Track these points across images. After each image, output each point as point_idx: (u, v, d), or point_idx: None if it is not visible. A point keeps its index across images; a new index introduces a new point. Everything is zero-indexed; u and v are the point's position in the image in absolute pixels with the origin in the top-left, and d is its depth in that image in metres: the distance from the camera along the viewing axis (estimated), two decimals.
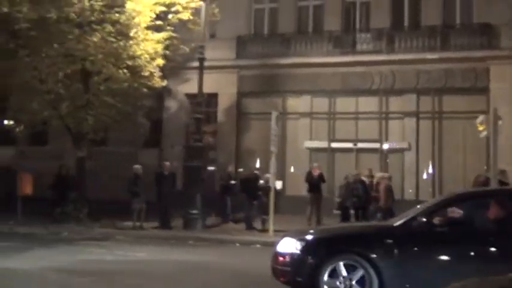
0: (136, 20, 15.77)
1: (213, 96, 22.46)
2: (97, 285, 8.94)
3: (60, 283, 8.94)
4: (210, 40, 17.58)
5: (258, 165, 20.75)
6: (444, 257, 7.32)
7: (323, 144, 22.09)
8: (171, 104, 23.78)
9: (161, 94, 21.99)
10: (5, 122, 23.94)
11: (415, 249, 7.42)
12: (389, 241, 7.41)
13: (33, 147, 25.09)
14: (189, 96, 23.64)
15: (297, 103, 22.77)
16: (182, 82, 22.47)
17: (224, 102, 22.92)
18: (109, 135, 22.56)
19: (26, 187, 17.25)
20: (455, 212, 7.60)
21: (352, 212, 16.11)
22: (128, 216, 17.45)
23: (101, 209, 17.87)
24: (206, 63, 17.59)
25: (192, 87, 22.64)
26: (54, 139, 24.29)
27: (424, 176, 20.93)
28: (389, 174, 16.89)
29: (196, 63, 21.10)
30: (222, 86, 22.43)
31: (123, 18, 15.54)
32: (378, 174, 16.02)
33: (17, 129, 23.09)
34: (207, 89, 17.43)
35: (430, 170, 20.93)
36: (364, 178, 16.14)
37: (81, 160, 17.43)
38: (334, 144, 21.97)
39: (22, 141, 24.56)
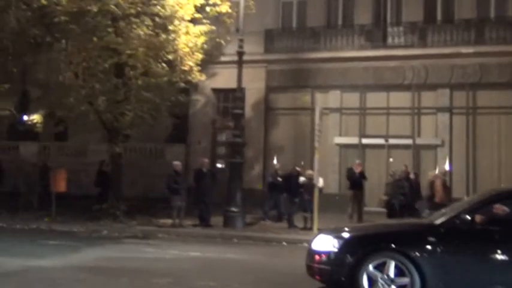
0: (180, 13, 15.38)
1: None
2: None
3: (140, 285, 8.63)
4: (237, 34, 17.14)
5: (275, 161, 20.39)
6: (491, 257, 7.09)
7: (353, 140, 21.80)
8: (198, 99, 23.38)
9: (187, 89, 21.58)
10: (26, 117, 23.81)
11: (460, 248, 7.22)
12: (432, 239, 7.23)
13: (55, 143, 24.74)
14: (216, 91, 23.38)
15: (326, 98, 22.38)
16: (209, 77, 22.01)
17: (252, 97, 22.50)
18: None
19: (60, 184, 16.89)
20: (501, 209, 7.33)
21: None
22: (161, 213, 17.25)
23: (134, 206, 17.58)
24: (234, 58, 17.27)
25: (218, 82, 22.49)
26: (75, 135, 24.05)
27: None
28: (443, 171, 16.55)
29: (223, 58, 21.26)
30: (250, 80, 21.94)
31: (166, 11, 15.10)
32: (431, 172, 15.70)
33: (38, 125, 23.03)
34: (235, 83, 17.08)
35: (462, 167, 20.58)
36: (411, 175, 15.80)
37: (116, 156, 17.03)
38: (364, 140, 21.64)
39: (45, 137, 24.32)
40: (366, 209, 18.23)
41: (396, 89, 21.40)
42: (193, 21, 16.80)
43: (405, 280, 7.15)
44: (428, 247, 7.18)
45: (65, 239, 13.58)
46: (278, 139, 22.67)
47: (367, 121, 21.89)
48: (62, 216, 16.68)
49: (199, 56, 16.68)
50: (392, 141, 21.29)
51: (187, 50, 16.08)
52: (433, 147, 21.12)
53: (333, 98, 22.30)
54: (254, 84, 22.20)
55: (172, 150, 22.69)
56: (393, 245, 7.34)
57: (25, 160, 22.58)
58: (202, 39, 16.67)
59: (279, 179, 17.49)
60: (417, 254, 7.14)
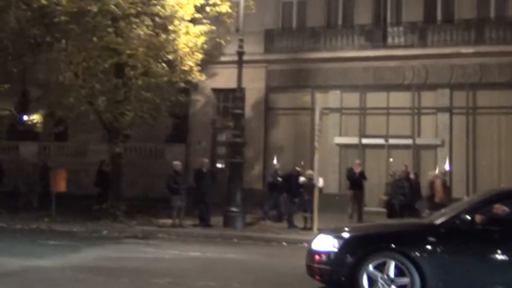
0: (180, 13, 15.40)
1: None
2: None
3: (140, 285, 8.63)
4: (237, 34, 17.16)
5: (275, 161, 20.39)
6: (491, 257, 7.10)
7: (353, 140, 21.81)
8: (198, 99, 23.38)
9: (187, 89, 21.57)
10: (26, 117, 23.82)
11: (460, 248, 7.22)
12: (432, 239, 7.23)
13: (55, 143, 24.75)
14: (216, 91, 23.38)
15: (326, 98, 22.39)
16: (209, 77, 22.00)
17: (252, 97, 22.49)
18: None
19: (60, 184, 16.89)
20: (501, 209, 7.30)
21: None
22: (161, 213, 17.25)
23: (134, 206, 17.58)
24: (234, 58, 17.29)
25: (218, 82, 22.49)
26: (75, 135, 24.06)
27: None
28: (443, 171, 16.56)
29: (223, 58, 21.26)
30: (250, 80, 21.91)
31: (166, 11, 15.12)
32: (431, 172, 15.72)
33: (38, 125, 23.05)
34: (235, 83, 17.13)
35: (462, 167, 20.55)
36: (411, 175, 15.81)
37: (116, 156, 17.03)
38: (364, 140, 21.65)
39: (45, 137, 24.34)
40: (366, 209, 18.23)
41: (396, 89, 21.40)
42: (193, 21, 16.81)
43: (405, 280, 7.15)
44: (428, 247, 7.19)
45: (65, 239, 13.58)
46: (278, 139, 22.68)
47: (367, 121, 21.89)
48: (62, 216, 16.69)
49: (199, 56, 16.70)
50: (392, 141, 21.29)
51: (187, 50, 16.09)
52: (433, 147, 21.12)
53: (333, 98, 22.31)
54: (254, 84, 22.20)
55: (172, 150, 22.70)
56: (393, 245, 7.35)
57: (25, 160, 22.59)
58: (202, 39, 16.69)
59: (279, 179, 17.49)
60: (417, 254, 7.14)
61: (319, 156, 15.82)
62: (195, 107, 23.43)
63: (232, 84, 17.34)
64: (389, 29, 21.58)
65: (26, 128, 23.83)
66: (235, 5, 17.27)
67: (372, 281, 7.24)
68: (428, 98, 21.33)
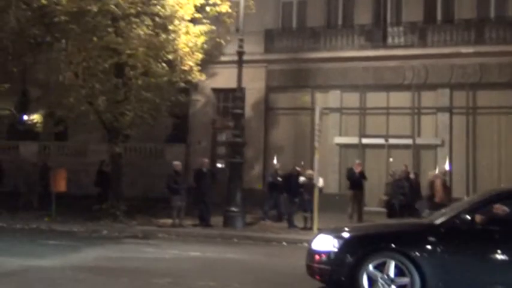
0: (180, 13, 15.42)
1: None
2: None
3: (140, 285, 8.64)
4: (237, 34, 17.17)
5: (275, 161, 20.38)
6: (491, 257, 7.10)
7: (353, 140, 21.81)
8: (198, 99, 23.39)
9: (187, 89, 21.57)
10: (26, 117, 23.82)
11: (460, 248, 7.22)
12: (432, 239, 7.23)
13: (55, 143, 24.75)
14: (216, 91, 23.39)
15: (326, 98, 22.39)
16: (209, 77, 22.00)
17: (252, 97, 22.49)
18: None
19: (60, 184, 16.90)
20: (501, 209, 7.30)
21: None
22: (161, 213, 17.26)
23: (134, 206, 17.59)
24: (234, 58, 17.30)
25: (218, 82, 22.50)
26: (75, 135, 24.06)
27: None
28: (443, 170, 16.57)
29: (223, 58, 21.27)
30: (250, 80, 21.91)
31: (166, 11, 15.13)
32: (431, 172, 15.73)
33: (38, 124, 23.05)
34: (235, 83, 17.14)
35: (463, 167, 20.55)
36: (411, 175, 15.81)
37: (117, 156, 17.03)
38: (364, 140, 21.65)
39: (45, 137, 24.34)
40: (366, 209, 18.23)
41: (396, 89, 21.40)
42: (193, 21, 16.82)
43: (405, 280, 7.16)
44: (428, 247, 7.20)
45: (65, 239, 13.59)
46: (278, 139, 22.68)
47: (367, 121, 21.89)
48: (62, 216, 16.70)
49: (199, 56, 16.72)
50: (392, 141, 21.30)
51: (187, 50, 16.11)
52: (433, 147, 21.12)
53: (333, 98, 22.31)
54: (254, 84, 22.19)
55: (172, 150, 22.70)
56: (393, 245, 7.35)
57: (25, 160, 22.60)
58: (202, 39, 16.71)
59: (279, 179, 17.49)
60: (417, 254, 7.15)
61: (319, 156, 15.83)
62: (195, 107, 23.44)
63: (232, 84, 17.35)
64: (389, 29, 21.58)
65: (26, 128, 23.83)
66: (235, 5, 17.28)
67: (372, 281, 7.25)
68: (428, 98, 21.33)
